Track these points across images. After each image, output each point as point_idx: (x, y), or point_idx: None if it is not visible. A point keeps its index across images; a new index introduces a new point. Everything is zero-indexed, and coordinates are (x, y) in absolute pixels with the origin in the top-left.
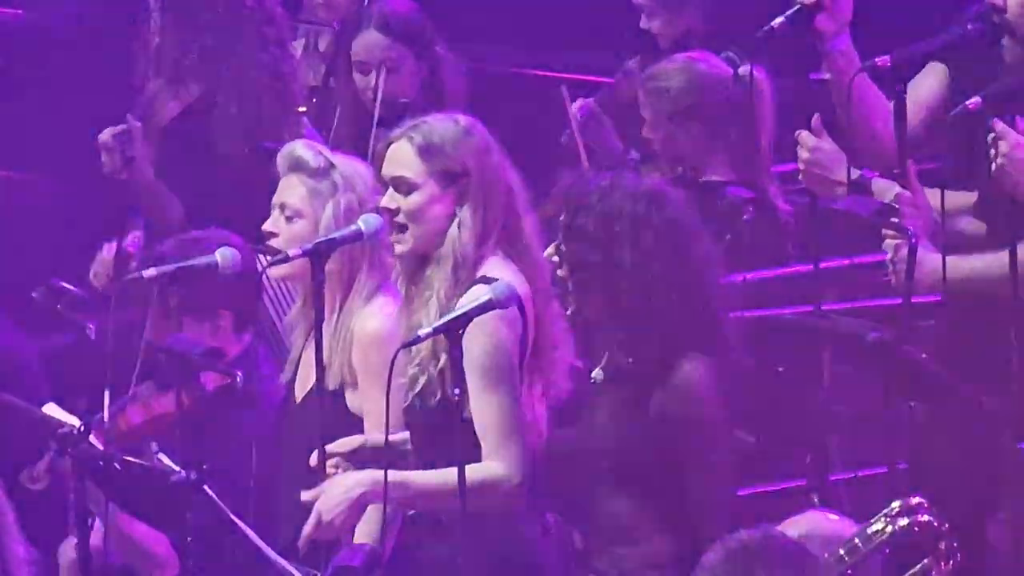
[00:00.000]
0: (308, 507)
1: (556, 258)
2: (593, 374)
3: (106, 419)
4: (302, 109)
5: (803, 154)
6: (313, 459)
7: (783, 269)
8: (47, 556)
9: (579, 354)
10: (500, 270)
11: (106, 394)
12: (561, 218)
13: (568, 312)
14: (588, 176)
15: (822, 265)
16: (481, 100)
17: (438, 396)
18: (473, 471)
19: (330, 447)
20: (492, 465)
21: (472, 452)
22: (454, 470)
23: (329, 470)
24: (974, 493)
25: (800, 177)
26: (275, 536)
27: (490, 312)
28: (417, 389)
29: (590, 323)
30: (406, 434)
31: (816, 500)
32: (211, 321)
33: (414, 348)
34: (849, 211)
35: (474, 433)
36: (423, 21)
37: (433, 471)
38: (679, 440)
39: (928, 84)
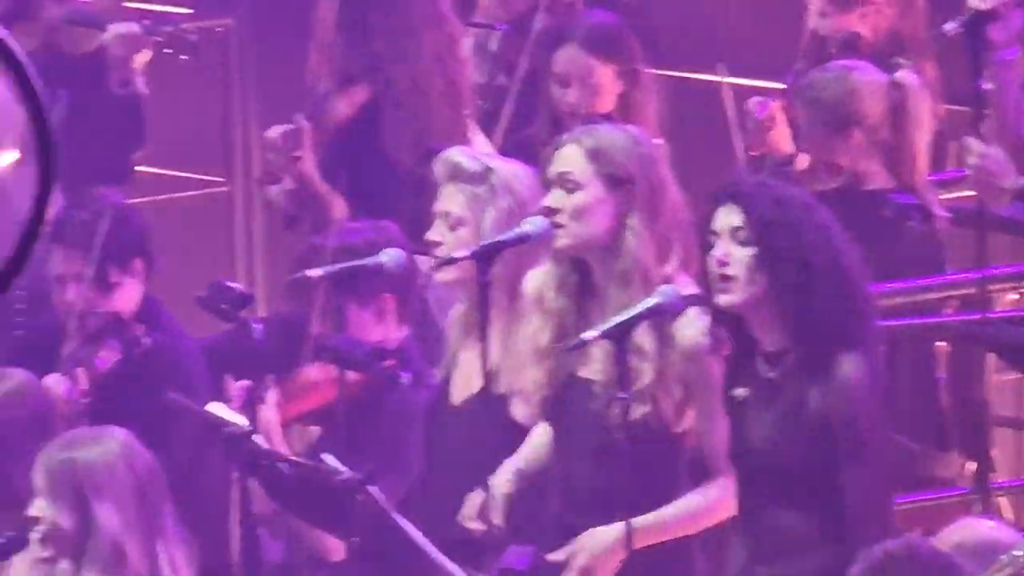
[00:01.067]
0: (459, 508)
1: (727, 257)
2: (736, 392)
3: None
4: (467, 112)
5: (971, 160)
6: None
7: (949, 275)
8: (209, 555)
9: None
10: (689, 287)
11: (269, 393)
12: (739, 211)
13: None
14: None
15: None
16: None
17: (646, 409)
18: (703, 497)
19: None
20: (712, 489)
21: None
22: (693, 498)
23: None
24: None
25: (968, 183)
26: (431, 538)
27: (698, 330)
28: (596, 407)
29: (751, 315)
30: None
31: (979, 509)
32: (375, 306)
33: (599, 361)
34: (1016, 218)
35: (671, 451)
36: (627, 38)
37: (677, 503)
38: (840, 439)
39: None
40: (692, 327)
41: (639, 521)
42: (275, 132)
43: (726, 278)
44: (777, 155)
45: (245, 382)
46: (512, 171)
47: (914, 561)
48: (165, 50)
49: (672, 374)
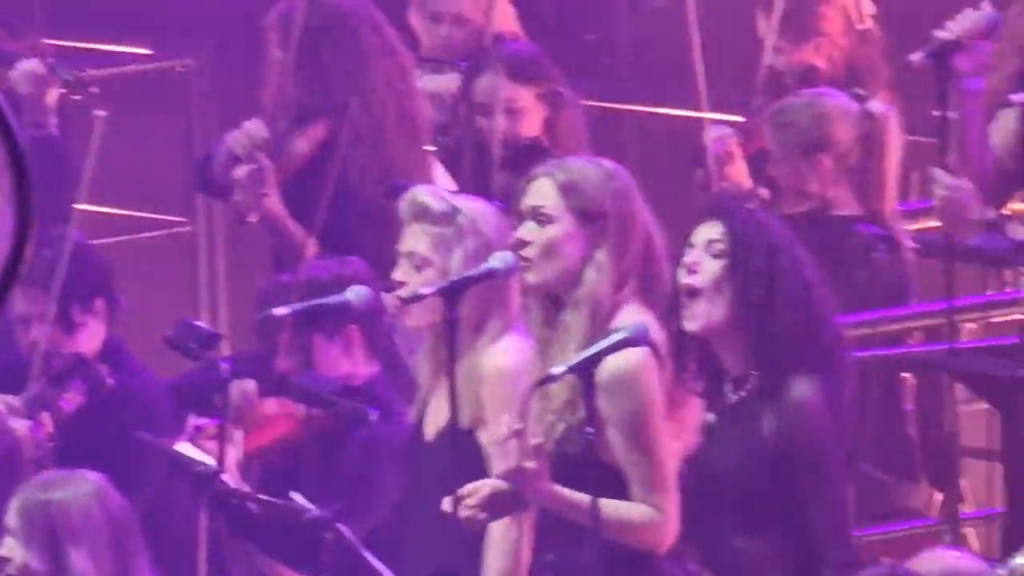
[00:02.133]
0: (439, 547)
1: (696, 265)
2: (706, 417)
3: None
4: (431, 148)
5: (939, 191)
6: (447, 504)
7: (915, 306)
8: None
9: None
10: (636, 317)
11: (236, 433)
12: (718, 225)
13: (695, 327)
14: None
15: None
16: (602, 138)
17: (580, 445)
18: (627, 508)
19: (461, 490)
20: (647, 508)
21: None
22: (613, 502)
23: (463, 513)
24: None
25: (935, 215)
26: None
27: (635, 363)
28: (557, 435)
29: (715, 338)
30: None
31: (948, 540)
32: (342, 339)
33: (551, 394)
34: (984, 248)
35: (614, 479)
36: (545, 62)
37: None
38: (796, 465)
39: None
40: (616, 359)
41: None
42: (241, 171)
43: (692, 291)
44: (736, 190)
45: (212, 422)
46: (478, 211)
47: None
48: (64, 92)
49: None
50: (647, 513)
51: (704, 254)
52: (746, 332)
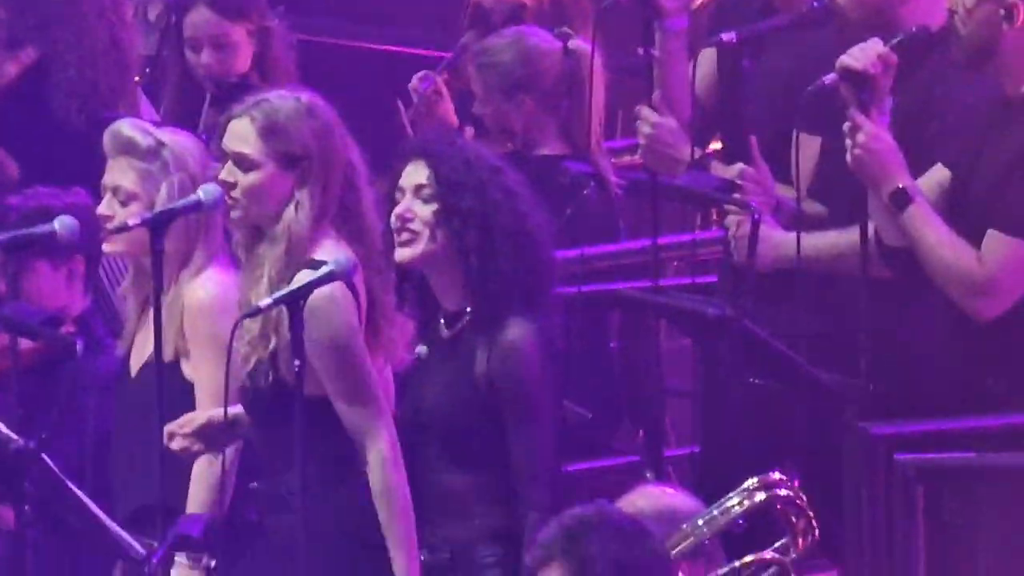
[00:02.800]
0: (144, 480)
1: (409, 213)
2: (417, 350)
3: None
4: (137, 79)
5: (644, 129)
6: (166, 436)
7: (622, 244)
8: None
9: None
10: (333, 252)
11: None
12: (425, 168)
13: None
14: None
15: (661, 240)
16: (314, 73)
17: (270, 377)
18: (374, 472)
19: (171, 426)
20: (372, 444)
21: (313, 431)
22: None
23: (173, 446)
24: (816, 471)
25: (639, 154)
26: (112, 509)
27: (326, 296)
28: (249, 368)
29: (432, 273)
30: (240, 409)
31: (650, 476)
32: (67, 268)
33: (245, 327)
34: (690, 187)
35: (317, 411)
36: None
37: None
38: (504, 402)
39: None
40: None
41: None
42: None
43: (408, 232)
44: (443, 128)
45: None
46: (183, 145)
47: (606, 525)
48: None
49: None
50: (374, 453)
51: (414, 199)
52: (462, 271)
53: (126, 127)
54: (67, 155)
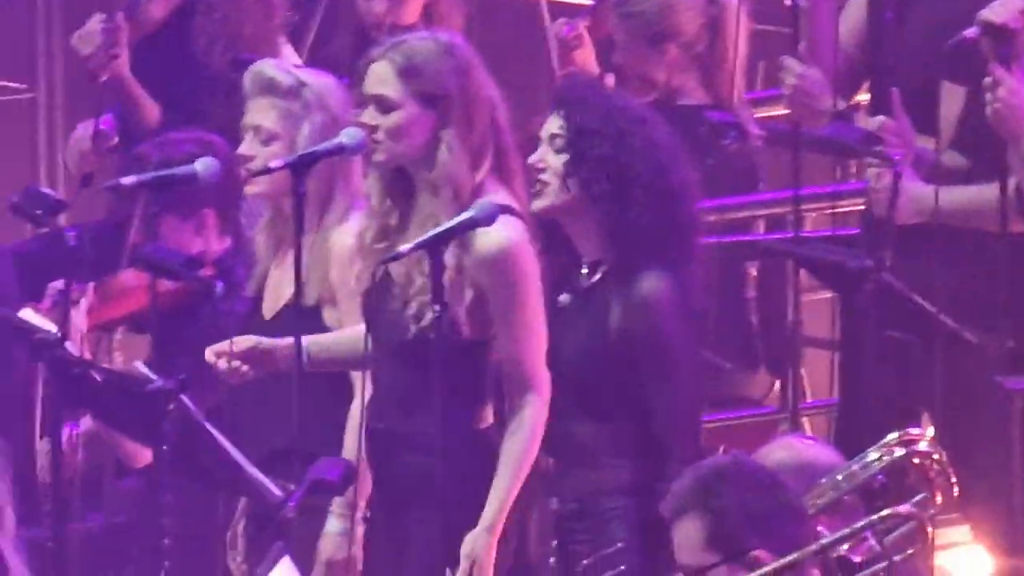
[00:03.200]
0: (276, 423)
1: (541, 163)
2: (560, 298)
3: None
4: (279, 22)
5: (789, 80)
6: (210, 355)
7: (762, 194)
8: (19, 462)
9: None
10: (497, 197)
11: (82, 301)
12: (559, 118)
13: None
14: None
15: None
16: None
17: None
18: (521, 420)
19: (219, 347)
20: (532, 398)
21: (465, 376)
22: (515, 448)
23: (220, 365)
24: (955, 426)
25: (784, 104)
26: (243, 452)
27: (509, 237)
28: (411, 312)
29: (567, 223)
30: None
31: (785, 428)
32: (195, 220)
33: (405, 270)
34: (832, 138)
35: (471, 357)
36: None
37: (504, 469)
38: (639, 356)
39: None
40: (491, 235)
41: (489, 514)
42: (95, 25)
43: (540, 183)
44: (583, 75)
45: (59, 283)
46: (325, 85)
47: (741, 476)
48: None
49: (463, 280)
50: (531, 419)
51: (548, 149)
52: (597, 221)
53: (268, 67)
54: (210, 98)
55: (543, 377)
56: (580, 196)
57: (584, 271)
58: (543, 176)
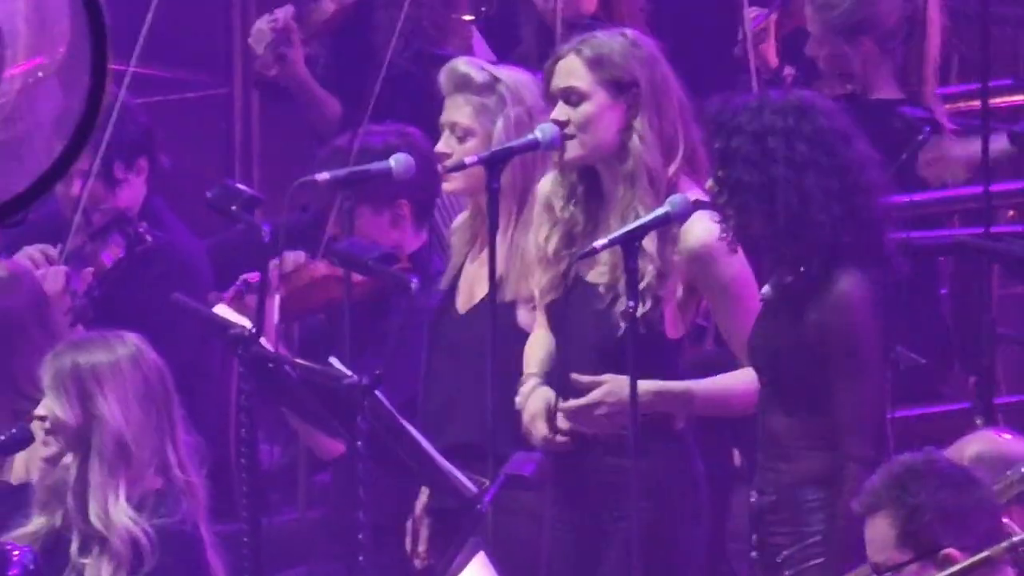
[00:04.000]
0: (463, 419)
1: (716, 187)
2: (763, 291)
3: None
4: (469, 18)
5: None
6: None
7: (955, 190)
8: (215, 455)
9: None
10: (697, 194)
11: (276, 298)
12: (715, 144)
13: (730, 236)
14: (734, 99)
15: (994, 188)
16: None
17: (646, 309)
18: (737, 378)
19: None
20: (748, 371)
21: (661, 373)
22: (732, 378)
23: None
24: None
25: None
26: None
27: (700, 238)
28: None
29: (755, 243)
30: None
31: (980, 423)
32: (390, 211)
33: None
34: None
35: (670, 353)
36: None
37: (713, 380)
38: (832, 353)
39: None
40: (696, 229)
41: (653, 387)
42: (264, 24)
43: (723, 205)
44: (765, 67)
45: (249, 275)
46: (519, 79)
47: (934, 474)
48: None
49: (674, 274)
50: (749, 376)
51: (716, 165)
52: (782, 230)
53: (461, 63)
54: (390, 93)
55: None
56: (739, 220)
57: (785, 267)
58: (719, 200)
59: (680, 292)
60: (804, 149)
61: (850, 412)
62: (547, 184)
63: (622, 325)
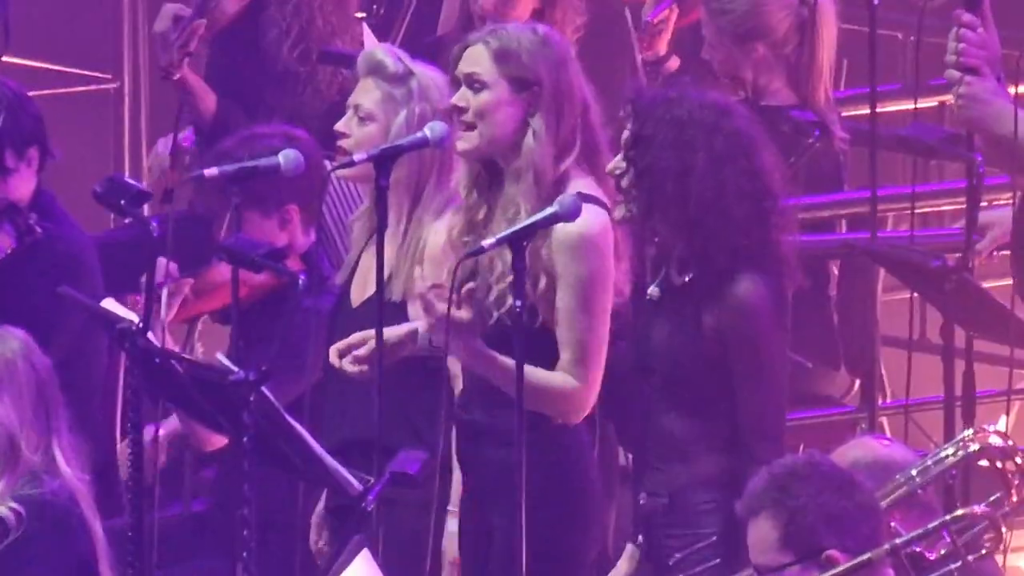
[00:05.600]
0: (356, 414)
1: (618, 171)
2: (649, 291)
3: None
4: (361, 15)
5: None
6: (333, 356)
7: (843, 194)
8: (101, 452)
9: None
10: (585, 189)
11: (164, 292)
12: (627, 128)
13: (627, 220)
14: (651, 87)
15: (880, 192)
16: None
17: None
18: (550, 376)
19: (342, 344)
20: (569, 378)
21: (540, 363)
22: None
23: (347, 367)
24: None
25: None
26: (323, 441)
27: (595, 231)
28: (490, 300)
29: (654, 236)
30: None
31: (864, 427)
32: (279, 216)
33: (491, 262)
34: (913, 138)
35: (545, 343)
36: None
37: (534, 370)
38: (733, 357)
39: None
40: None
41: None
42: (163, 25)
43: (619, 188)
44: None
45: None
46: (432, 78)
47: (816, 476)
48: None
49: (539, 266)
50: (568, 382)
51: (622, 155)
52: (690, 222)
53: (380, 51)
54: (276, 91)
55: (595, 373)
56: (655, 203)
57: (674, 267)
58: (622, 182)
59: (544, 283)
60: (723, 145)
61: (753, 416)
62: (460, 170)
63: (493, 314)
